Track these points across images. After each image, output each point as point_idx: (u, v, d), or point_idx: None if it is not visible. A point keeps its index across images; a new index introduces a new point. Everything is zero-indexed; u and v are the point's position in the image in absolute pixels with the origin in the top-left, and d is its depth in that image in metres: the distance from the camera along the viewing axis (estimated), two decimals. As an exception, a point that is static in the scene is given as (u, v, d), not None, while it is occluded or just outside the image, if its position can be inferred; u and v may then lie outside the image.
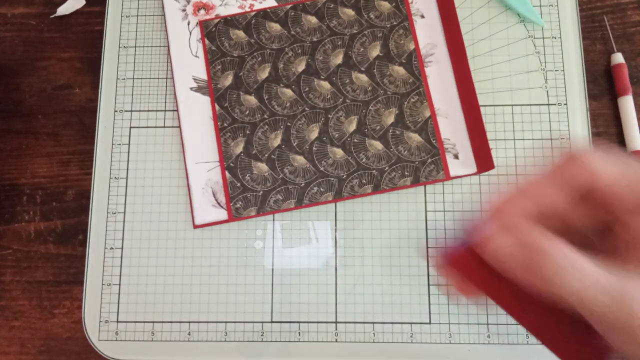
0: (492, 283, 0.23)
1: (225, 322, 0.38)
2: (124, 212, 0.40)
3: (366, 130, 0.40)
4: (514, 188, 0.21)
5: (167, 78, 0.42)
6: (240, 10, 0.42)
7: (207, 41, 0.42)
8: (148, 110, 0.42)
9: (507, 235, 0.20)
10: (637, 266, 0.20)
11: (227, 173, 0.40)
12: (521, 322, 0.24)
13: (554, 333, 0.24)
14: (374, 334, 0.38)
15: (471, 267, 0.23)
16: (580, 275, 0.19)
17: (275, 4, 0.42)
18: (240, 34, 0.42)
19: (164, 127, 0.41)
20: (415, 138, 0.40)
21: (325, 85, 0.41)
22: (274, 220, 0.40)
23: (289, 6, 0.42)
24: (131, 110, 0.42)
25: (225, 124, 0.40)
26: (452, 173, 0.39)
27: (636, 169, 0.20)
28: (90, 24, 0.45)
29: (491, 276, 0.22)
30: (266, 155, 0.40)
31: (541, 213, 0.21)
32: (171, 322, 0.38)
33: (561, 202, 0.20)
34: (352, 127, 0.40)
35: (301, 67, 0.41)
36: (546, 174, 0.21)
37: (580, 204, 0.21)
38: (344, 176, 0.39)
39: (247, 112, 0.41)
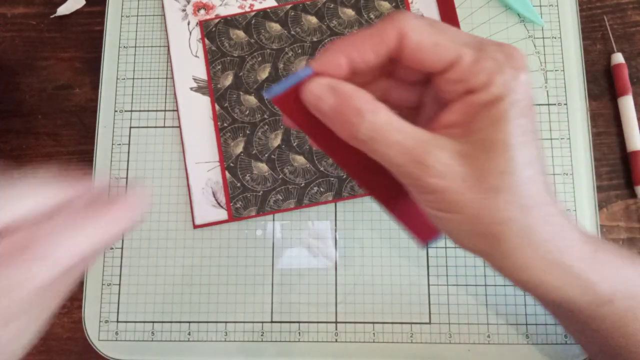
0: (313, 125, 0.23)
1: (225, 322, 0.38)
2: (124, 212, 0.40)
3: (366, 130, 0.40)
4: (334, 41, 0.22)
5: (167, 78, 0.42)
6: (240, 10, 0.42)
7: (207, 41, 0.42)
8: (148, 110, 0.42)
9: (321, 82, 0.21)
10: (442, 127, 0.21)
11: (227, 173, 0.40)
12: (342, 167, 0.25)
13: (377, 184, 0.24)
14: (374, 334, 0.38)
15: (296, 106, 0.23)
16: (384, 130, 0.20)
17: (275, 4, 0.42)
18: (240, 34, 0.42)
19: (164, 127, 0.41)
20: (415, 138, 0.40)
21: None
22: (274, 220, 0.40)
23: (289, 6, 0.42)
24: (131, 110, 0.42)
25: (225, 124, 0.40)
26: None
27: (449, 33, 0.21)
28: (90, 24, 0.45)
29: (312, 119, 0.23)
30: (266, 155, 0.40)
31: (356, 68, 0.22)
32: (171, 322, 0.38)
33: (373, 57, 0.21)
34: (352, 127, 0.40)
35: (301, 67, 0.41)
36: (364, 31, 0.22)
37: (394, 63, 0.22)
38: (344, 176, 0.39)
39: (247, 112, 0.41)
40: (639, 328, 0.24)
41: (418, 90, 0.24)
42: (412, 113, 0.25)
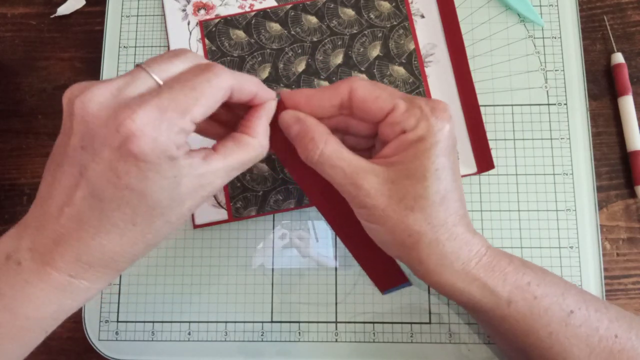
0: (289, 154, 0.29)
1: (225, 322, 0.38)
2: (124, 212, 0.40)
3: (366, 130, 0.40)
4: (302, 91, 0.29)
5: (167, 78, 0.42)
6: (240, 10, 0.42)
7: (207, 41, 0.42)
8: (148, 110, 0.42)
9: (291, 113, 0.28)
10: (379, 157, 0.28)
11: (227, 173, 0.40)
12: (307, 193, 0.31)
13: (332, 207, 0.31)
14: (374, 334, 0.38)
15: (276, 136, 0.29)
16: (331, 157, 0.27)
17: (275, 4, 0.42)
18: (240, 34, 0.42)
19: (164, 127, 0.41)
20: (415, 138, 0.40)
21: (326, 85, 0.41)
22: (274, 220, 0.40)
23: (289, 6, 0.42)
24: (131, 110, 0.42)
25: (225, 124, 0.40)
26: (452, 173, 0.39)
27: (387, 90, 0.28)
28: (90, 24, 0.45)
29: (289, 148, 0.29)
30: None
31: (311, 112, 0.29)
32: (171, 322, 0.38)
33: (328, 103, 0.28)
34: (352, 127, 0.40)
35: (301, 67, 0.41)
36: (325, 87, 0.29)
37: (345, 111, 0.29)
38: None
39: (247, 112, 0.41)
40: (536, 324, 0.28)
41: (370, 127, 0.30)
42: (366, 150, 0.32)
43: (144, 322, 0.38)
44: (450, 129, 0.27)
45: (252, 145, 0.27)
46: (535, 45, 0.42)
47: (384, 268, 0.31)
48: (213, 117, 0.27)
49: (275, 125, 0.29)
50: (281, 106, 0.29)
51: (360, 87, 0.28)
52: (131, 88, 0.23)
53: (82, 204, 0.23)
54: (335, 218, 0.31)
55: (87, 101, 0.23)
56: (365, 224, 0.28)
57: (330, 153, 0.27)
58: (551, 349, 0.28)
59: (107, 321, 0.39)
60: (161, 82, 0.24)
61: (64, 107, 0.24)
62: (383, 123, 0.28)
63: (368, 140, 0.31)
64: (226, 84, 0.24)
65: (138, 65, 0.24)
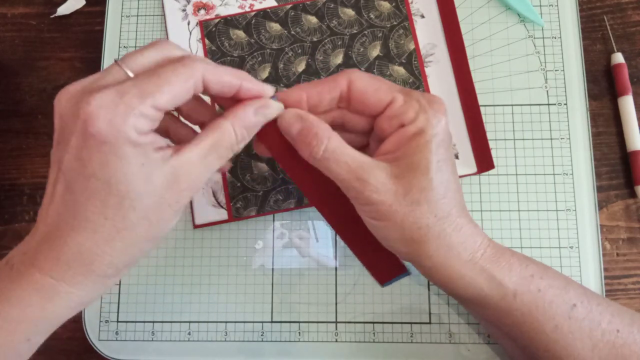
0: (288, 155, 0.29)
1: (225, 322, 0.38)
2: (124, 212, 0.40)
3: (366, 130, 0.40)
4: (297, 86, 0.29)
5: (167, 78, 0.42)
6: (240, 10, 0.42)
7: (207, 41, 0.42)
8: (148, 110, 0.42)
9: (292, 111, 0.28)
10: (381, 154, 0.27)
11: (227, 173, 0.40)
12: (306, 194, 0.31)
13: (331, 205, 0.30)
14: (374, 334, 0.38)
15: (274, 138, 0.29)
16: (335, 152, 0.27)
17: (275, 4, 0.42)
18: (240, 34, 0.42)
19: (164, 127, 0.41)
20: (415, 138, 0.40)
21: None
22: (274, 220, 0.40)
23: (289, 6, 0.42)
24: (131, 110, 0.42)
25: (225, 124, 0.40)
26: (452, 173, 0.39)
27: (386, 83, 0.28)
28: (90, 24, 0.45)
29: (288, 149, 0.29)
30: (266, 155, 0.40)
31: (312, 106, 0.29)
32: (171, 322, 0.38)
33: (328, 96, 0.28)
34: (352, 127, 0.40)
35: (301, 67, 0.41)
36: (323, 79, 0.29)
37: (343, 104, 0.29)
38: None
39: (247, 112, 0.41)
40: (541, 317, 0.28)
41: (366, 121, 0.30)
42: (361, 149, 0.31)
43: (144, 322, 0.38)
44: (446, 122, 0.27)
45: (224, 127, 0.26)
46: (535, 45, 0.42)
47: (383, 260, 0.31)
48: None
49: (271, 127, 0.29)
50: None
51: (359, 78, 0.28)
52: (102, 81, 0.24)
53: (60, 200, 0.24)
54: (335, 217, 0.31)
55: (62, 97, 0.24)
56: (371, 222, 0.28)
57: (335, 148, 0.27)
58: (556, 342, 0.28)
59: (107, 321, 0.39)
60: (132, 75, 0.24)
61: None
62: (381, 117, 0.28)
63: (363, 138, 0.31)
64: (195, 74, 0.24)
65: (115, 61, 0.25)
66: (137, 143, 0.23)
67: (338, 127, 0.30)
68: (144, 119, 0.23)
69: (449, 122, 0.28)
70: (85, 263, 0.24)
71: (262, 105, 0.27)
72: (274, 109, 0.28)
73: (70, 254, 0.24)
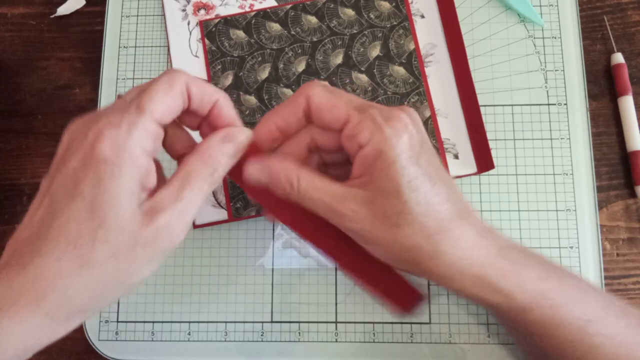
0: (279, 207, 0.28)
1: (225, 322, 0.38)
2: (124, 212, 0.40)
3: (366, 130, 0.40)
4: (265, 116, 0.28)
5: (167, 78, 0.42)
6: (240, 10, 0.42)
7: (207, 41, 0.42)
8: (148, 110, 0.42)
9: (254, 166, 0.27)
10: (353, 178, 0.26)
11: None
12: (310, 242, 0.29)
13: (348, 255, 0.29)
14: (374, 334, 0.38)
15: (264, 194, 0.28)
16: (307, 191, 0.26)
17: (275, 4, 0.42)
18: (240, 34, 0.42)
19: (164, 127, 0.41)
20: (415, 138, 0.40)
21: (325, 84, 0.41)
22: (274, 220, 0.40)
23: (289, 6, 0.42)
24: (131, 110, 0.42)
25: (225, 124, 0.40)
26: (452, 173, 0.39)
27: (344, 98, 0.26)
28: (90, 24, 0.45)
29: (279, 201, 0.28)
30: (266, 155, 0.40)
31: (282, 131, 0.28)
32: (171, 322, 0.38)
33: (293, 118, 0.28)
34: (352, 127, 0.40)
35: (301, 67, 0.41)
36: (284, 102, 0.28)
37: (307, 122, 0.28)
38: (344, 176, 0.39)
39: (247, 112, 0.41)
40: (556, 331, 0.27)
41: (337, 138, 0.28)
42: (345, 164, 0.30)
43: (144, 322, 0.38)
44: (408, 137, 0.25)
45: (195, 167, 0.26)
46: (535, 45, 0.42)
47: (399, 286, 0.29)
48: None
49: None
50: (253, 148, 0.28)
51: (316, 94, 0.27)
52: (108, 110, 0.25)
53: (37, 224, 0.23)
54: (335, 250, 0.29)
55: (72, 123, 0.25)
56: (363, 245, 0.27)
57: (306, 187, 0.26)
58: (573, 354, 0.27)
59: (107, 321, 0.39)
60: None
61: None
62: (341, 136, 0.26)
63: (342, 155, 0.29)
64: (179, 79, 0.25)
65: (119, 96, 0.25)
66: (137, 164, 0.23)
67: (316, 148, 0.29)
68: (145, 132, 0.24)
69: (424, 131, 0.26)
70: (36, 297, 0.22)
71: (227, 134, 0.26)
72: (244, 134, 0.27)
73: (24, 282, 0.22)
